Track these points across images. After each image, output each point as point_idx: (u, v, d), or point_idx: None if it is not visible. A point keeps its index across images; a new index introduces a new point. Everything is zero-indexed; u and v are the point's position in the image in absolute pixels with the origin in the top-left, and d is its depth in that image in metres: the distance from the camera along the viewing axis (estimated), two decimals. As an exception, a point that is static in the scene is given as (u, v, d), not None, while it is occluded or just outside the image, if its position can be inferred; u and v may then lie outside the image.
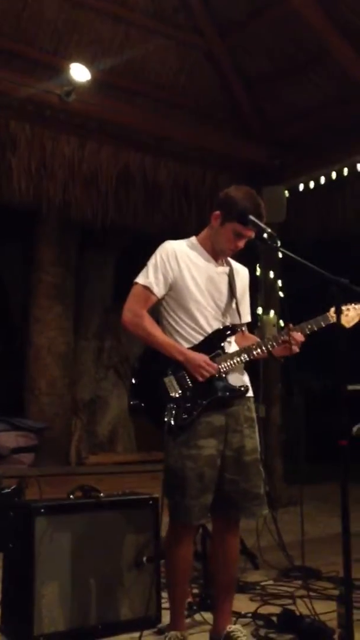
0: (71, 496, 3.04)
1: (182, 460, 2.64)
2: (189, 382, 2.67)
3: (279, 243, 2.65)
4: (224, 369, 2.70)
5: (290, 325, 2.72)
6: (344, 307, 2.71)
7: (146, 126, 5.81)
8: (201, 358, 2.65)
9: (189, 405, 2.65)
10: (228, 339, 2.77)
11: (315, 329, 2.72)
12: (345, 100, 5.75)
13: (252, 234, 2.71)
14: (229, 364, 2.70)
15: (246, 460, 2.72)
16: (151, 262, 2.75)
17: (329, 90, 5.86)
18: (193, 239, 2.84)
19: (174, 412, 2.62)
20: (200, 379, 2.65)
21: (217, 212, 2.75)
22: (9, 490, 3.69)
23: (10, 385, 7.45)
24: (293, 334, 2.69)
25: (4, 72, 5.07)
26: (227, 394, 2.71)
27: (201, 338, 2.72)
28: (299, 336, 2.70)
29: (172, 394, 2.65)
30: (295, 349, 2.69)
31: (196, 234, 2.88)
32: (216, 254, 2.80)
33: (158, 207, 6.18)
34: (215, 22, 5.88)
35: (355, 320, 2.75)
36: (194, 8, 5.78)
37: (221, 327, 2.75)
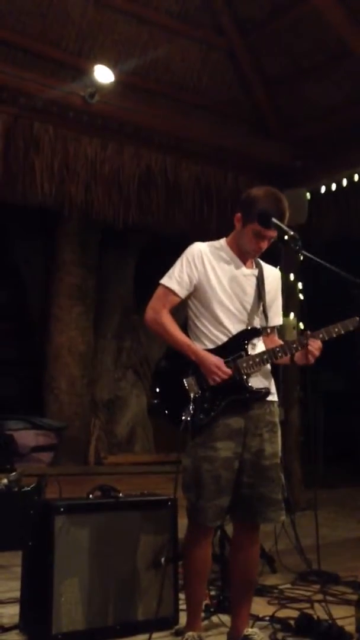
0: (90, 496, 3.05)
1: (198, 461, 2.65)
2: (209, 383, 2.67)
3: (300, 245, 2.64)
4: (246, 371, 2.69)
5: (308, 332, 2.70)
6: None
7: (168, 127, 5.82)
8: (212, 361, 2.64)
9: (207, 405, 2.65)
10: (253, 341, 2.76)
11: (342, 332, 2.69)
12: (367, 100, 5.71)
13: (274, 234, 2.70)
14: (251, 366, 2.69)
15: (265, 464, 2.71)
16: (177, 263, 2.77)
17: (351, 90, 5.81)
18: (222, 240, 2.84)
19: (192, 411, 2.63)
20: (211, 382, 2.65)
21: (239, 214, 2.76)
22: (29, 488, 3.71)
23: (30, 384, 7.51)
24: (311, 342, 2.66)
25: (29, 73, 5.10)
26: (247, 395, 2.70)
27: (225, 339, 2.72)
28: (316, 344, 2.68)
29: (192, 394, 2.66)
30: (312, 359, 2.67)
31: (217, 235, 2.88)
32: (243, 256, 2.79)
33: (179, 208, 6.18)
34: (237, 22, 5.87)
35: None
36: (216, 8, 5.78)
37: (246, 329, 2.74)
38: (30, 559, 2.99)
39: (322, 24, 5.43)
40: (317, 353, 2.68)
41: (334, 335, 2.69)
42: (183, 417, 2.62)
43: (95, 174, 5.66)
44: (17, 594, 3.08)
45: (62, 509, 2.85)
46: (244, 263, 2.80)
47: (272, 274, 2.90)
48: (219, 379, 2.64)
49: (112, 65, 5.25)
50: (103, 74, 5.14)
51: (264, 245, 2.75)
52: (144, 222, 6.11)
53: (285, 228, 2.60)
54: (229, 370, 2.65)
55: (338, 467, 8.84)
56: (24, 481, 4.25)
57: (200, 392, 2.66)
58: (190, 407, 2.63)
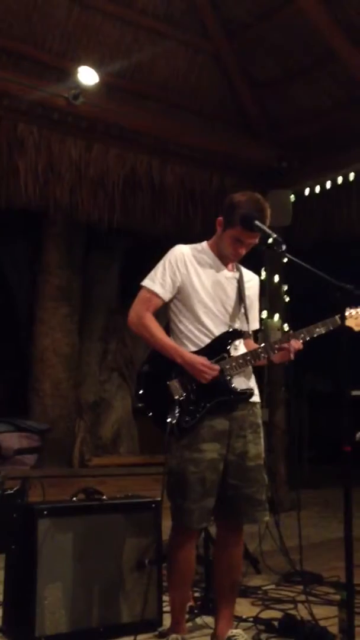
0: (74, 498, 3.05)
1: (184, 463, 2.65)
2: (193, 385, 2.67)
3: (284, 248, 2.65)
4: (229, 372, 2.70)
5: (291, 332, 2.73)
6: (352, 311, 2.72)
7: (153, 129, 5.82)
8: (199, 361, 2.65)
9: (192, 407, 2.66)
10: (235, 343, 2.76)
11: (323, 331, 2.72)
12: (352, 103, 5.76)
13: (253, 241, 2.72)
14: (234, 367, 2.70)
15: (249, 465, 2.72)
16: (159, 265, 2.76)
17: (336, 93, 5.86)
18: (204, 243, 2.85)
19: (177, 414, 2.63)
20: (203, 381, 2.65)
21: (220, 218, 2.77)
22: (12, 491, 3.68)
23: (15, 386, 7.47)
24: (292, 341, 2.69)
25: (13, 75, 5.08)
26: (231, 396, 2.71)
27: (208, 341, 2.72)
28: (297, 343, 2.70)
29: (176, 397, 2.66)
30: (290, 356, 2.69)
31: (202, 237, 2.89)
32: (224, 259, 2.80)
33: (164, 210, 6.19)
34: (223, 25, 5.89)
35: None
36: (202, 11, 5.79)
37: (228, 331, 2.75)
38: (14, 562, 2.97)
39: (308, 27, 5.47)
40: (296, 349, 2.70)
41: (315, 335, 2.72)
42: (168, 420, 2.62)
43: (80, 176, 5.64)
44: (0, 597, 3.07)
45: (45, 512, 2.85)
46: (225, 266, 2.81)
47: (252, 279, 2.91)
48: (209, 377, 2.64)
49: (96, 66, 5.25)
50: (87, 76, 5.14)
51: (242, 251, 2.76)
52: (129, 223, 6.11)
53: (269, 231, 2.61)
54: (217, 367, 2.66)
55: (323, 468, 8.88)
56: (8, 484, 4.22)
57: (184, 394, 2.67)
58: (175, 409, 2.64)
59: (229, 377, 2.70)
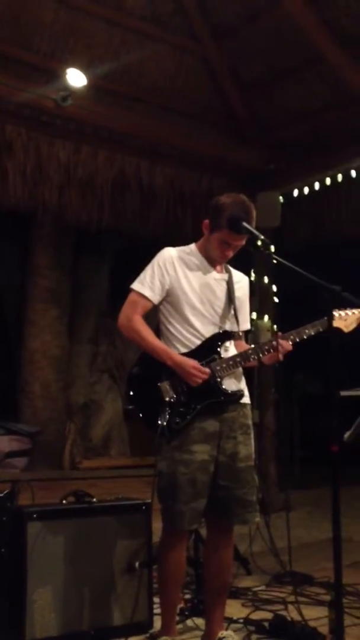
0: (64, 501, 3.04)
1: (174, 465, 2.65)
2: (184, 387, 2.67)
3: (272, 249, 2.66)
4: (220, 374, 2.70)
5: (279, 333, 2.74)
6: (342, 312, 2.74)
7: (142, 131, 5.82)
8: (189, 363, 2.65)
9: (182, 409, 2.66)
10: (225, 344, 2.77)
11: (313, 333, 2.73)
12: (339, 105, 5.78)
13: (240, 243, 2.73)
14: (224, 369, 2.71)
15: (239, 466, 2.72)
16: (148, 268, 2.77)
17: (324, 95, 5.88)
18: (192, 245, 2.85)
19: (167, 416, 2.63)
20: (193, 384, 2.65)
21: (206, 221, 2.77)
22: (2, 494, 3.67)
23: (4, 388, 7.44)
24: (281, 341, 2.70)
25: (1, 76, 5.07)
26: (222, 398, 2.71)
27: (198, 343, 2.73)
28: (286, 344, 2.71)
29: (166, 399, 2.66)
30: (280, 357, 2.70)
31: (192, 238, 2.89)
32: (212, 261, 2.81)
33: (153, 212, 6.19)
34: (211, 27, 5.90)
35: (354, 325, 2.78)
36: (190, 13, 5.80)
37: (218, 332, 2.76)
38: (2, 565, 2.96)
39: (296, 29, 5.49)
40: (286, 351, 2.71)
41: (305, 337, 2.73)
42: (159, 422, 2.62)
43: (69, 178, 5.64)
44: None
45: (35, 515, 2.84)
46: (214, 267, 2.82)
47: (241, 280, 2.92)
48: (200, 380, 2.64)
49: (84, 68, 5.24)
50: (75, 78, 5.14)
51: (230, 253, 2.77)
52: (118, 226, 6.11)
53: (256, 232, 2.62)
54: (207, 370, 2.66)
55: (314, 469, 8.90)
56: (-2, 487, 4.20)
57: (175, 396, 2.67)
58: (166, 411, 2.64)
59: (219, 379, 2.71)
